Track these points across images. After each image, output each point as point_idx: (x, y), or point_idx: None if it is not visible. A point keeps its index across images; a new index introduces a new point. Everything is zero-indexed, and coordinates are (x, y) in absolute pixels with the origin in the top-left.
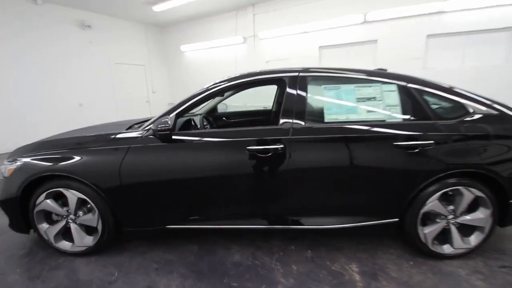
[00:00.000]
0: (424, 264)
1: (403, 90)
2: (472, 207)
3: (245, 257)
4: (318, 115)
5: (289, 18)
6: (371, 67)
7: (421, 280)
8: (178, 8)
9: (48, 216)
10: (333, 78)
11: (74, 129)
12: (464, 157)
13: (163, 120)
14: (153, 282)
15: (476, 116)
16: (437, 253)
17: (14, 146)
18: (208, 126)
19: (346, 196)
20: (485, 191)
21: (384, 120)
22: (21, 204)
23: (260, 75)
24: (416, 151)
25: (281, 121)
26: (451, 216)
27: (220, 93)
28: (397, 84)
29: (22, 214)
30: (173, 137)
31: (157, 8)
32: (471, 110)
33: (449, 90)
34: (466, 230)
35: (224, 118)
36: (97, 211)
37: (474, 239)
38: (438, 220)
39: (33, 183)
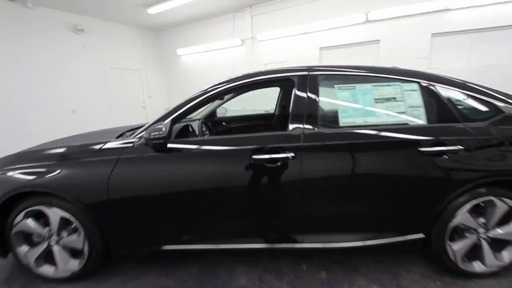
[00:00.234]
0: (453, 285)
1: (426, 89)
2: (504, 220)
3: (251, 281)
4: (332, 119)
5: (288, 19)
6: None
7: None
8: (173, 11)
9: (28, 238)
10: (347, 76)
11: (61, 138)
12: (498, 163)
13: (156, 127)
14: None
15: (507, 116)
16: (467, 271)
17: (0, 155)
18: (207, 132)
19: (365, 210)
20: None
21: (406, 124)
22: None
23: (264, 75)
24: (445, 158)
25: (291, 126)
26: (482, 230)
27: (220, 95)
28: (419, 83)
29: None
30: (169, 145)
31: (152, 10)
32: (501, 110)
33: (477, 89)
34: (498, 245)
35: (224, 123)
36: (83, 231)
37: (507, 255)
38: (467, 235)
39: (10, 201)
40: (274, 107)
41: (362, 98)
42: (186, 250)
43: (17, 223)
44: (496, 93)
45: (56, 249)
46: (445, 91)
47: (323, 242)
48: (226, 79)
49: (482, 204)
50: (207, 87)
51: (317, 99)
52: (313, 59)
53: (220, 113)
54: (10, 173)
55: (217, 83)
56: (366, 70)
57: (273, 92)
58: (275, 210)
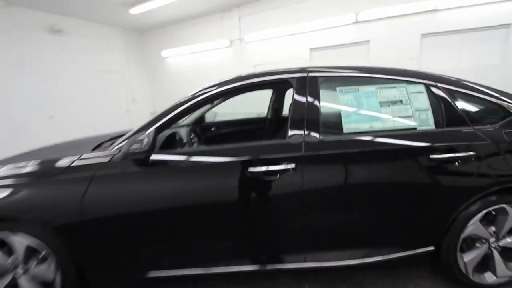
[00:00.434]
0: None
1: (432, 91)
2: None
3: None
4: (334, 125)
5: (276, 19)
6: None
7: None
8: (157, 11)
9: None
10: (350, 78)
11: (29, 150)
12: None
13: (137, 139)
14: None
15: None
16: (478, 283)
17: None
18: (195, 139)
19: (373, 224)
20: None
21: (415, 128)
22: None
23: (259, 77)
24: (457, 165)
25: (290, 133)
26: (492, 239)
27: (210, 100)
28: (425, 84)
29: None
30: (152, 157)
31: (134, 10)
32: (510, 112)
33: (483, 90)
34: (508, 254)
35: (213, 129)
36: (54, 260)
37: None
38: (478, 245)
39: None
40: (267, 111)
41: (366, 101)
42: (175, 276)
43: None
44: (503, 95)
45: (23, 282)
46: (452, 93)
47: (328, 260)
48: (217, 82)
49: (493, 212)
50: (196, 91)
51: (318, 103)
52: (303, 60)
53: (209, 117)
54: None
55: (206, 86)
56: (369, 71)
57: (265, 94)
58: (274, 227)
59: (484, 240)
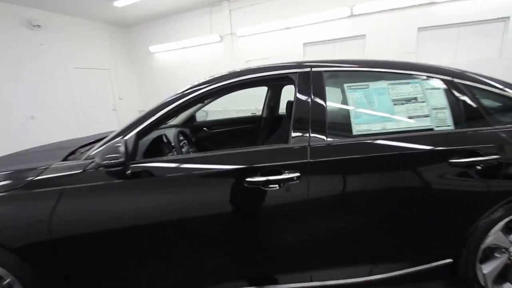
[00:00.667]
0: None
1: (449, 87)
2: None
3: None
4: (343, 126)
5: (269, 13)
6: None
7: None
8: (143, 4)
9: None
10: (358, 73)
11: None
12: None
13: (112, 148)
14: None
15: None
16: None
17: None
18: (185, 142)
19: (387, 237)
20: None
21: (432, 129)
22: None
23: (255, 72)
24: (479, 170)
25: (293, 135)
26: None
27: (202, 99)
28: (442, 79)
29: None
30: (132, 166)
31: (119, 3)
32: None
33: (503, 87)
34: None
35: (205, 129)
36: None
37: None
38: (497, 255)
39: None
40: (262, 108)
41: (377, 99)
42: None
43: None
44: None
45: None
46: (470, 89)
47: (337, 279)
48: (209, 79)
49: None
50: (185, 89)
51: (323, 101)
52: (297, 55)
53: (200, 116)
54: None
55: (196, 83)
56: (378, 65)
57: (260, 91)
58: (275, 244)
59: (504, 250)
